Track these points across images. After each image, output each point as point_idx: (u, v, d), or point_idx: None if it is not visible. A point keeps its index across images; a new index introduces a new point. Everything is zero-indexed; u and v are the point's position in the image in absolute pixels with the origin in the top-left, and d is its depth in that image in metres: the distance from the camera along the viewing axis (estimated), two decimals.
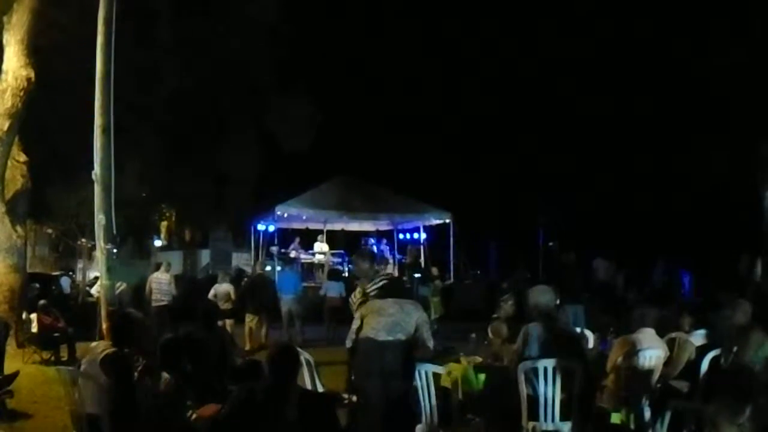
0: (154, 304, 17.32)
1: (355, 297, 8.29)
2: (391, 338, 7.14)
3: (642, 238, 28.74)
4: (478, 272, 28.14)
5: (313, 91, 30.05)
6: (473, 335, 9.25)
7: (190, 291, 20.71)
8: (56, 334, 14.81)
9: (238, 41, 26.25)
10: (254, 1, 25.10)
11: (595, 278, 21.27)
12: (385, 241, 28.51)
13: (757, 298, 10.23)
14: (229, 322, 15.98)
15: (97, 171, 11.05)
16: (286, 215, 25.32)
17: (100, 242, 11.11)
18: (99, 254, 11.45)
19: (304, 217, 26.19)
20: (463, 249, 27.34)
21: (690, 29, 24.52)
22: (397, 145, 34.87)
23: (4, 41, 16.39)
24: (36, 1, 16.23)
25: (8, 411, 9.38)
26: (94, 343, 7.66)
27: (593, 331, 10.11)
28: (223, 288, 17.12)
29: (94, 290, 18.69)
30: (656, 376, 7.87)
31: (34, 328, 14.82)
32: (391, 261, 27.34)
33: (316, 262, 26.45)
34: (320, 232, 26.49)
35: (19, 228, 16.99)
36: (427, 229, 28.16)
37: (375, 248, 27.13)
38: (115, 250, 11.24)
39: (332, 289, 19.06)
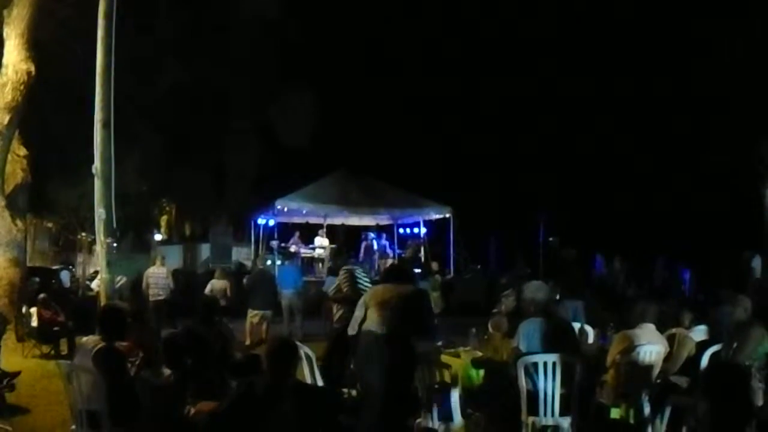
0: (151, 298, 17.28)
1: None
2: (392, 333, 7.15)
3: (642, 235, 28.72)
4: (478, 267, 28.11)
5: (314, 84, 30.05)
6: (473, 330, 9.26)
7: (188, 285, 20.70)
8: (56, 328, 14.79)
9: (238, 35, 26.25)
10: None
11: (606, 275, 21.36)
12: (385, 235, 28.46)
13: (757, 294, 10.23)
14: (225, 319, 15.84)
15: (97, 165, 11.05)
16: (286, 209, 25.27)
17: (100, 236, 11.12)
18: (99, 248, 11.45)
19: (304, 212, 26.15)
20: (464, 244, 27.33)
21: (690, 28, 24.52)
22: (398, 140, 34.84)
23: (5, 35, 16.38)
24: None
25: (8, 405, 9.39)
26: (84, 338, 7.64)
27: (593, 327, 10.11)
28: (219, 284, 17.04)
29: (94, 284, 18.68)
30: (656, 371, 7.88)
31: (34, 322, 14.81)
32: (391, 255, 27.33)
33: (316, 256, 26.42)
34: (320, 226, 26.46)
35: (19, 222, 16.99)
36: (427, 223, 28.14)
37: (375, 243, 27.16)
38: (115, 244, 11.24)
39: (332, 284, 19.00)
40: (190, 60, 25.01)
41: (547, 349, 7.32)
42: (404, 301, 7.30)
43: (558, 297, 13.91)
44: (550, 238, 25.16)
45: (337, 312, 10.51)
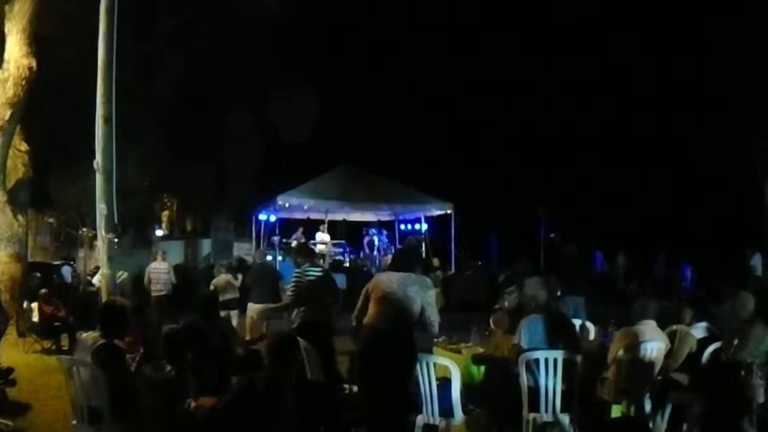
0: (153, 293, 17.27)
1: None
2: (391, 328, 7.14)
3: (644, 231, 28.73)
4: (479, 263, 28.11)
5: (315, 80, 30.05)
6: (475, 326, 9.25)
7: (189, 280, 20.69)
8: (57, 324, 14.83)
9: (239, 30, 26.19)
10: None
11: (607, 271, 21.35)
12: (386, 231, 28.48)
13: (758, 291, 10.21)
14: (233, 312, 15.80)
15: (98, 160, 11.02)
16: (287, 205, 25.27)
17: (101, 231, 11.09)
18: (100, 243, 11.41)
19: (305, 207, 26.15)
20: (465, 240, 27.33)
21: (690, 26, 24.50)
22: (399, 136, 34.85)
23: (6, 30, 16.35)
24: None
25: (9, 401, 9.39)
26: (84, 334, 7.63)
27: (594, 323, 10.10)
28: (222, 279, 16.99)
29: (95, 280, 18.67)
30: (657, 368, 7.87)
31: (35, 318, 14.84)
32: (391, 251, 27.34)
33: (318, 252, 26.41)
34: (322, 222, 26.47)
35: (20, 217, 16.98)
36: (428, 219, 28.14)
37: (376, 238, 27.17)
38: (116, 240, 11.22)
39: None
40: (192, 55, 24.97)
41: (549, 345, 7.30)
42: (406, 300, 7.27)
43: (559, 293, 13.91)
44: (552, 234, 25.16)
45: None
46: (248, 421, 5.15)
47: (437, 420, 7.34)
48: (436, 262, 21.94)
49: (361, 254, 27.50)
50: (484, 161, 35.97)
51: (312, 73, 30.48)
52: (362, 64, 33.92)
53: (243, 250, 28.42)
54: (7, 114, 16.19)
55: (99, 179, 11.05)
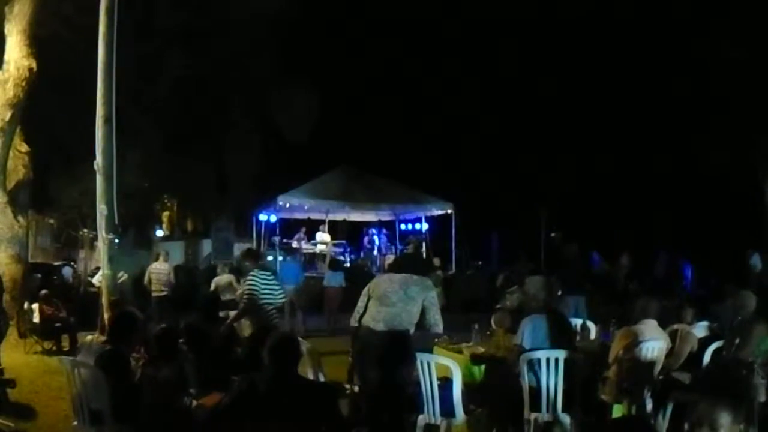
0: (154, 294, 17.27)
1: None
2: (389, 330, 7.14)
3: (644, 230, 28.71)
4: (480, 263, 28.11)
5: (316, 80, 30.02)
6: (476, 326, 9.24)
7: (190, 281, 20.67)
8: (58, 324, 14.81)
9: (239, 30, 26.20)
10: None
11: (608, 270, 21.35)
12: (386, 231, 28.49)
13: (759, 291, 10.21)
14: (233, 313, 15.79)
15: (99, 161, 11.02)
16: (288, 205, 25.30)
17: (101, 232, 11.10)
18: (101, 244, 11.42)
19: (306, 207, 26.18)
20: (465, 239, 27.33)
21: (690, 24, 24.49)
22: (400, 135, 34.82)
23: (6, 31, 16.37)
24: None
25: (10, 402, 9.38)
26: (88, 337, 7.66)
27: (595, 322, 10.09)
28: (223, 279, 16.97)
29: (95, 280, 18.66)
30: (658, 367, 7.86)
31: (36, 318, 14.82)
32: (392, 251, 27.36)
33: (318, 252, 26.44)
34: (322, 222, 26.48)
35: (21, 218, 17.00)
36: (428, 219, 28.15)
37: (377, 238, 27.19)
38: (116, 240, 11.22)
39: (333, 279, 19.02)
40: (192, 56, 24.97)
41: (550, 345, 7.30)
42: (406, 300, 7.26)
43: (560, 293, 13.91)
44: (552, 234, 25.13)
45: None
46: (249, 422, 5.14)
47: (438, 420, 7.33)
48: (437, 261, 21.93)
49: (362, 254, 27.51)
50: (485, 160, 35.92)
51: (312, 73, 30.48)
52: (362, 63, 33.84)
53: (243, 250, 28.41)
54: (8, 115, 16.20)
55: (99, 180, 11.05)
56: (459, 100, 35.71)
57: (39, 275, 18.72)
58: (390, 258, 25.86)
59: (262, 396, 5.16)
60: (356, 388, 7.90)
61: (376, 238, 27.37)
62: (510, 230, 28.96)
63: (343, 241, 28.00)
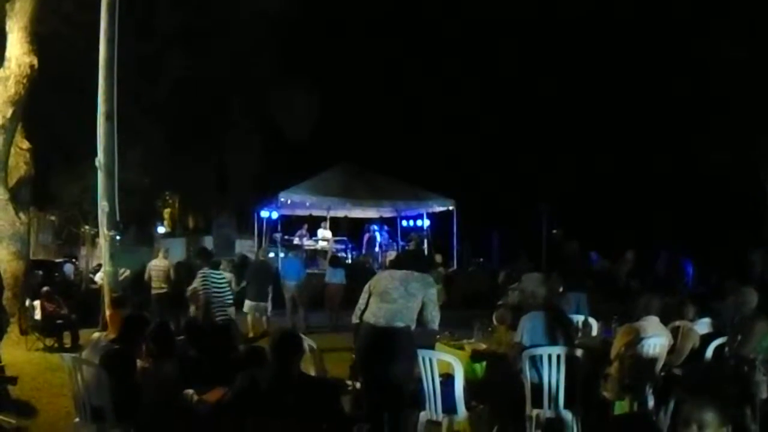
0: (153, 291, 17.25)
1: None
2: (389, 326, 7.13)
3: (645, 228, 28.70)
4: (481, 260, 28.12)
5: (317, 77, 30.03)
6: (478, 323, 9.24)
7: (191, 278, 20.64)
8: (59, 321, 14.83)
9: (240, 28, 26.19)
10: None
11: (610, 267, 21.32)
12: (387, 228, 28.50)
13: (760, 287, 10.20)
14: (230, 310, 15.87)
15: (100, 158, 11.01)
16: (289, 202, 25.31)
17: (103, 229, 11.09)
18: (102, 241, 11.42)
19: (307, 204, 26.18)
20: (467, 236, 27.34)
21: (692, 23, 24.48)
22: (401, 132, 34.82)
23: (7, 28, 16.35)
24: None
25: (11, 399, 9.38)
26: (96, 334, 7.65)
27: (597, 319, 10.08)
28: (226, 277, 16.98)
29: (97, 277, 18.65)
30: (660, 364, 7.86)
31: (38, 315, 14.83)
32: (393, 248, 27.36)
33: (320, 248, 26.44)
34: (323, 218, 26.48)
35: (22, 215, 16.98)
36: (430, 216, 28.16)
37: (378, 235, 27.19)
38: (118, 237, 11.21)
39: (334, 276, 19.01)
40: (193, 53, 24.96)
41: (549, 341, 7.30)
42: (406, 297, 7.25)
43: (561, 289, 13.91)
44: (554, 231, 25.12)
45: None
46: (251, 418, 5.14)
47: (440, 416, 7.33)
48: (438, 258, 21.91)
49: (363, 251, 27.52)
50: (486, 157, 35.91)
51: (313, 70, 30.49)
52: (363, 60, 33.83)
53: (245, 247, 28.39)
54: (9, 112, 16.19)
55: (101, 177, 11.05)
56: (460, 96, 35.70)
57: (40, 272, 18.71)
58: (391, 255, 25.87)
59: (264, 392, 5.17)
60: (358, 385, 7.90)
61: (377, 234, 27.37)
62: (511, 227, 28.97)
63: (345, 238, 28.00)
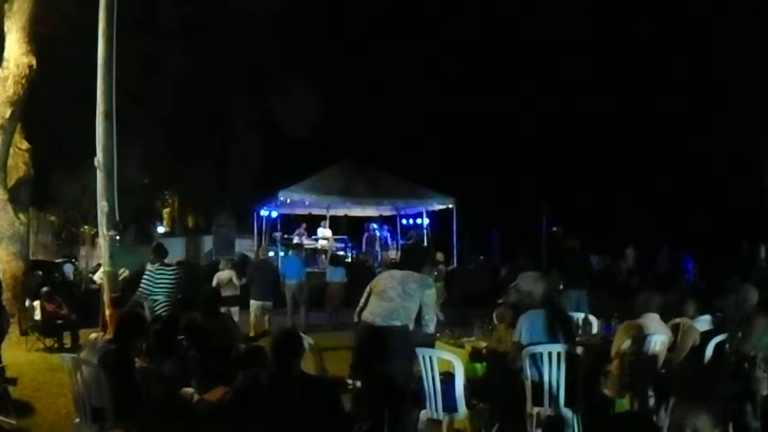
0: None
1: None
2: (385, 324, 7.13)
3: (645, 225, 28.72)
4: (482, 258, 28.11)
5: (316, 75, 30.01)
6: (478, 321, 9.24)
7: (190, 277, 20.64)
8: (59, 322, 14.82)
9: (240, 26, 26.18)
10: None
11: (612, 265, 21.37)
12: (387, 226, 28.50)
13: (761, 283, 10.21)
14: (234, 309, 15.90)
15: (99, 157, 11.00)
16: (288, 201, 25.29)
17: (102, 229, 11.08)
18: (102, 241, 11.41)
19: (307, 203, 26.15)
20: (467, 234, 27.33)
21: (695, 23, 24.55)
22: (401, 130, 34.81)
23: (6, 28, 16.38)
24: None
25: (11, 399, 9.37)
26: (93, 335, 7.66)
27: (597, 316, 10.08)
28: (225, 275, 16.96)
29: (97, 277, 18.65)
30: (660, 361, 7.85)
31: (37, 316, 14.82)
32: (393, 246, 27.36)
33: (319, 247, 26.43)
34: (323, 217, 26.47)
35: (21, 215, 17.02)
36: (430, 214, 28.14)
37: (377, 233, 27.18)
38: (118, 237, 11.22)
39: (335, 275, 19.03)
40: (193, 51, 24.96)
41: (549, 339, 7.29)
42: (404, 297, 7.25)
43: (562, 287, 13.91)
44: (554, 228, 25.13)
45: None
46: (252, 418, 5.14)
47: (440, 415, 7.33)
48: (440, 256, 21.90)
49: (363, 249, 27.51)
50: (486, 155, 35.92)
51: (312, 67, 30.46)
52: (363, 58, 33.83)
53: (245, 246, 28.38)
54: (8, 112, 16.21)
55: (100, 176, 11.04)
56: (459, 93, 35.72)
57: (40, 272, 18.72)
58: (391, 253, 25.88)
59: (265, 391, 5.17)
60: (358, 384, 7.90)
61: (376, 233, 27.37)
62: (511, 225, 28.98)
63: (345, 237, 28.00)
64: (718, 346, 8.19)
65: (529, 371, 7.21)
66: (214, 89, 27.22)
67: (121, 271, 13.70)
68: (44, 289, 15.58)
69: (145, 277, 11.78)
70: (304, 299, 17.94)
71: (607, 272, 21.35)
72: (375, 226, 27.87)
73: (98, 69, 11.26)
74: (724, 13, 22.43)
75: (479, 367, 8.12)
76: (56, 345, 14.49)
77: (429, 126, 36.10)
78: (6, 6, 16.30)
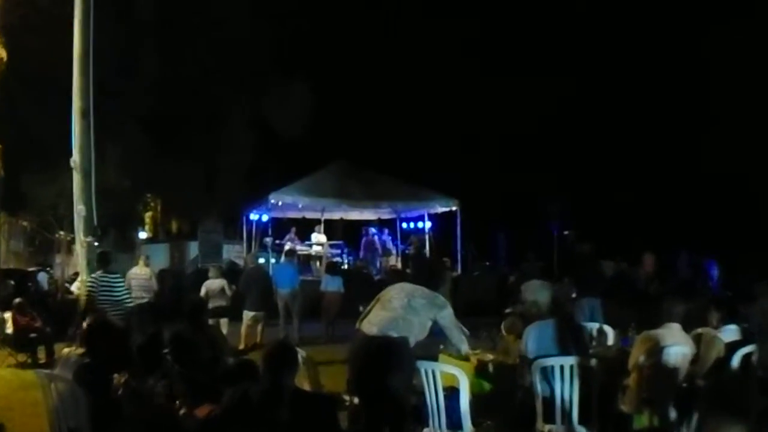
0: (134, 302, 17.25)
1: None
2: (381, 335, 7.13)
3: (664, 229, 28.75)
4: (487, 264, 28.07)
5: (310, 72, 30.02)
6: (484, 331, 9.23)
7: (175, 287, 20.63)
8: (33, 335, 14.77)
9: (230, 22, 26.20)
10: None
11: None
12: (387, 230, 28.47)
13: None
14: (224, 321, 15.90)
15: (75, 158, 11.02)
16: (280, 204, 25.24)
17: (79, 235, 11.13)
18: (79, 248, 11.46)
19: (300, 206, 26.12)
20: (471, 238, 27.31)
21: (694, 27, 24.67)
22: (399, 129, 34.82)
23: None
24: None
25: None
26: (65, 350, 7.64)
27: (613, 327, 10.06)
28: (215, 284, 16.91)
29: (74, 287, 18.65)
30: (682, 375, 7.83)
31: (9, 329, 14.79)
32: (393, 252, 27.33)
33: (314, 253, 26.38)
34: (317, 221, 26.44)
35: None
36: (432, 217, 28.11)
37: (377, 238, 27.13)
38: (96, 243, 11.23)
39: (330, 284, 18.92)
40: (178, 47, 24.97)
41: (559, 351, 7.28)
42: (407, 310, 7.26)
43: (574, 295, 13.89)
44: (566, 232, 25.12)
45: None
46: None
47: None
48: (447, 262, 21.88)
49: (361, 255, 27.47)
50: (491, 155, 35.96)
51: (306, 64, 30.49)
52: (360, 55, 33.86)
53: (233, 252, 28.39)
54: None
55: (77, 178, 11.06)
56: (463, 92, 35.76)
57: (12, 282, 18.71)
58: (392, 259, 25.85)
59: (256, 408, 5.16)
60: (356, 400, 7.90)
61: (376, 238, 27.32)
62: (518, 228, 28.96)
63: (341, 242, 27.96)
64: (745, 358, 8.18)
65: (539, 386, 7.20)
66: (199, 87, 27.21)
67: None
68: (16, 300, 15.55)
69: (87, 285, 11.81)
70: (296, 310, 17.88)
71: (623, 279, 21.28)
72: (374, 230, 27.83)
73: (74, 64, 11.27)
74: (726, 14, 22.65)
75: (486, 381, 8.11)
76: (30, 360, 14.44)
77: (430, 123, 36.09)
78: None
